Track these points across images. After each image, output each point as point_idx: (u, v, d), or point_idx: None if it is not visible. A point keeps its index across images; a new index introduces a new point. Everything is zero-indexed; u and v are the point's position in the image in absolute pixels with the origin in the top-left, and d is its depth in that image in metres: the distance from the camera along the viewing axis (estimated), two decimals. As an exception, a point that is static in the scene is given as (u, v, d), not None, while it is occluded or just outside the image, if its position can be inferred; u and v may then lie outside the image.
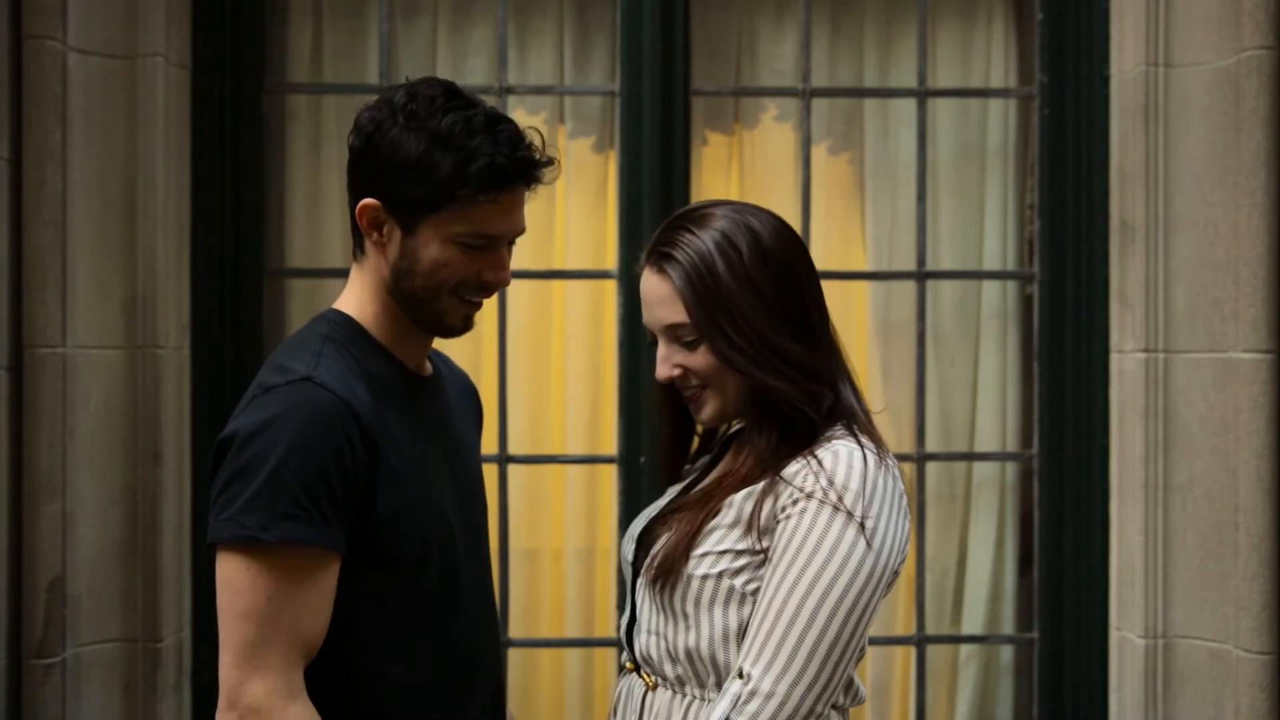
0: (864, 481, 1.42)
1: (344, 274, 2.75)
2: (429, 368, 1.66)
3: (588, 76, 2.85)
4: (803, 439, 1.49)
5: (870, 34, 2.90)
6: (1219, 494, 2.45)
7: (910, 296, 2.83)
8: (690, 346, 1.52)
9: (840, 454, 1.44)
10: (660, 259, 1.53)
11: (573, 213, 2.93)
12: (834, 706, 1.48)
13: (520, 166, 1.48)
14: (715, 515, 1.49)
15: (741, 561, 1.46)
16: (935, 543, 2.88)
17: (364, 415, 1.45)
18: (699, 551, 1.48)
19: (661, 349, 1.56)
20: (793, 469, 1.45)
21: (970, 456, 2.91)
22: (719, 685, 1.47)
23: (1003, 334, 2.90)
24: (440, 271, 1.50)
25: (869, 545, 1.40)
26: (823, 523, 1.40)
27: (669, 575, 1.49)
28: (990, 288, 2.90)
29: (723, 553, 1.47)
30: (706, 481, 1.60)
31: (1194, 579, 2.49)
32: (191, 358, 2.58)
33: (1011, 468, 2.91)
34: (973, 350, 2.92)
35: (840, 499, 1.41)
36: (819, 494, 1.41)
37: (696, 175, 2.83)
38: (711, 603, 1.47)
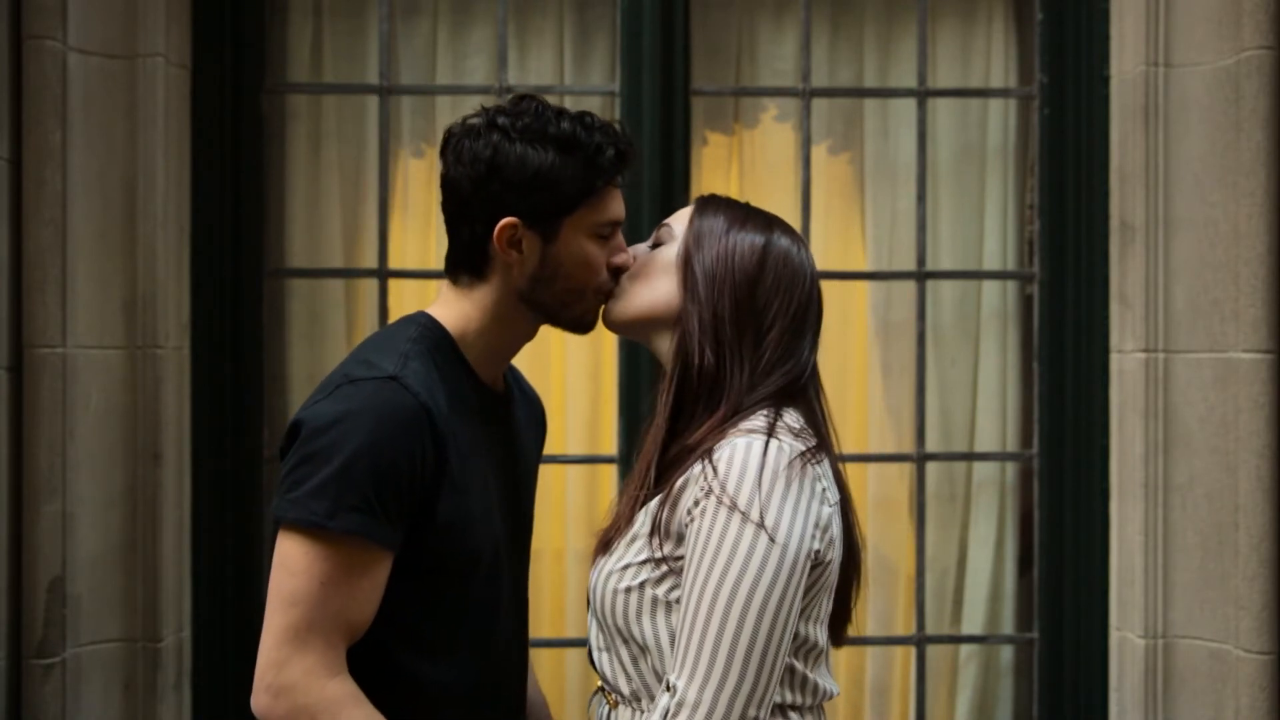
0: (759, 476, 1.40)
1: (344, 274, 2.81)
2: (502, 383, 1.69)
3: (588, 76, 2.85)
4: (705, 403, 1.51)
5: (870, 34, 2.90)
6: (1219, 494, 2.45)
7: (910, 296, 2.83)
8: (655, 246, 1.62)
9: (737, 450, 1.42)
10: (708, 199, 1.63)
11: (573, 213, 2.92)
12: (791, 707, 1.49)
13: (631, 147, 1.60)
14: (634, 525, 1.50)
15: (661, 570, 1.46)
16: (935, 543, 2.88)
17: (440, 423, 1.49)
18: (621, 564, 1.49)
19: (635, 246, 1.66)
20: (694, 472, 1.44)
21: (970, 456, 2.91)
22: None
23: (1003, 334, 2.90)
24: (584, 271, 1.58)
25: (772, 540, 1.38)
26: (720, 525, 1.39)
27: (598, 591, 1.52)
28: (990, 288, 2.90)
29: (642, 563, 1.48)
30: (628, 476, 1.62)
31: (1194, 579, 2.49)
32: (191, 358, 2.58)
33: (1011, 468, 2.91)
34: (973, 350, 2.92)
35: (735, 500, 1.39)
36: (714, 496, 1.40)
37: (696, 175, 2.82)
38: (639, 614, 1.48)
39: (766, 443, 1.42)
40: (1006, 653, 2.92)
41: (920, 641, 2.79)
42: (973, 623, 2.92)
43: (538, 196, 1.53)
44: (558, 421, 2.96)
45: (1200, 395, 2.47)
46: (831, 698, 1.54)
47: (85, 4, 2.37)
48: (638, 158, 1.65)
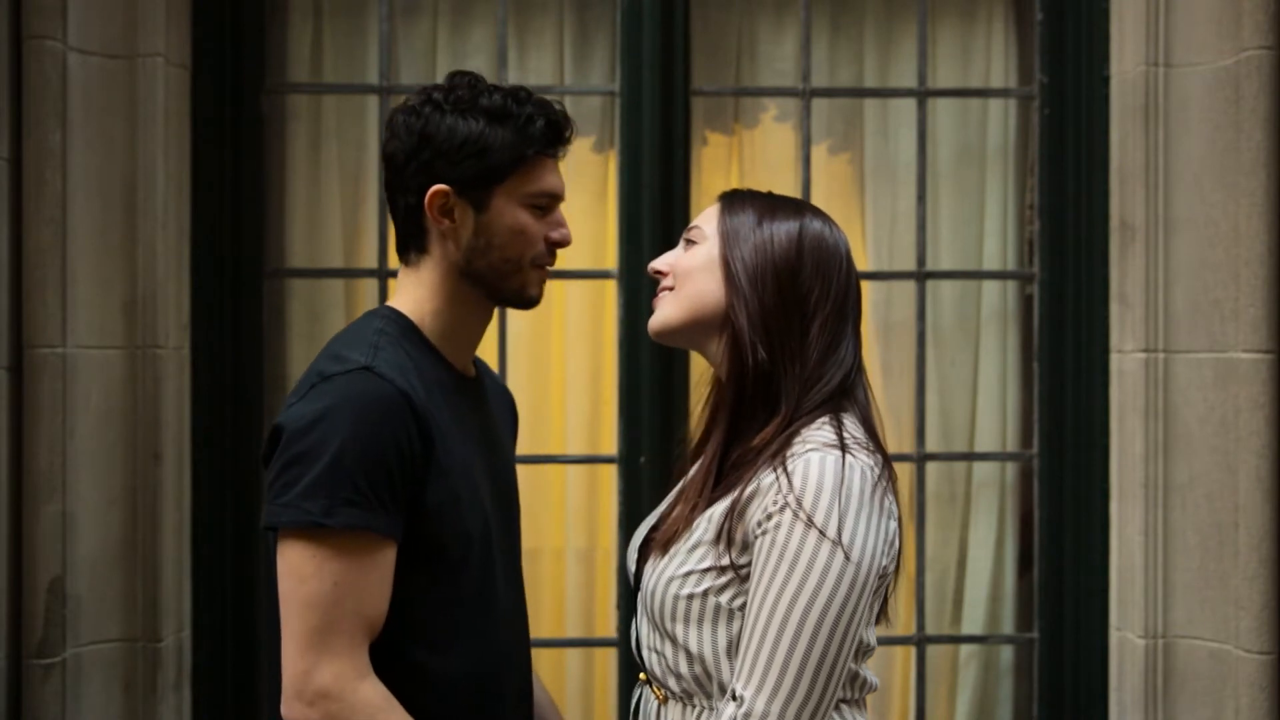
0: (835, 493, 1.40)
1: (344, 274, 2.81)
2: (473, 370, 1.70)
3: (588, 76, 2.85)
4: (761, 404, 1.50)
5: (870, 34, 2.90)
6: (1219, 494, 2.45)
7: (910, 296, 2.83)
8: (689, 248, 1.60)
9: (811, 465, 1.42)
10: (732, 192, 1.62)
11: (573, 213, 2.89)
12: (844, 701, 1.50)
13: (566, 122, 1.62)
14: (695, 530, 1.50)
15: (725, 578, 1.46)
16: (935, 543, 2.88)
17: (420, 407, 1.48)
18: (684, 570, 1.49)
19: (667, 252, 1.65)
20: (764, 482, 1.44)
21: (970, 456, 2.91)
22: (721, 690, 1.48)
23: (1003, 334, 2.90)
24: (518, 241, 1.59)
25: (848, 558, 1.39)
26: (796, 540, 1.39)
27: (656, 595, 1.51)
28: (990, 288, 2.90)
29: (705, 570, 1.47)
30: (688, 479, 1.60)
31: (1194, 579, 2.49)
32: (191, 358, 2.58)
33: (1011, 468, 2.91)
34: (973, 350, 2.92)
35: (811, 516, 1.39)
36: (790, 511, 1.40)
37: (696, 175, 2.82)
38: (700, 621, 1.48)
39: (842, 459, 1.42)
40: (1006, 653, 2.92)
41: (920, 641, 2.79)
42: (973, 623, 2.92)
43: (467, 164, 1.55)
44: (558, 421, 2.96)
45: (1200, 395, 2.47)
46: (874, 689, 1.56)
47: (85, 4, 2.37)
48: (574, 132, 1.64)
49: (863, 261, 2.92)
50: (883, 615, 1.61)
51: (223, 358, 2.62)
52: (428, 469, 1.49)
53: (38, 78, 2.31)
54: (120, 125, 2.44)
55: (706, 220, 1.60)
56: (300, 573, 1.43)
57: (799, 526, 1.39)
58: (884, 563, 1.44)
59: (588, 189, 2.91)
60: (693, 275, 1.57)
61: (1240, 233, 2.41)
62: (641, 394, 2.67)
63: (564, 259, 2.88)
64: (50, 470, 2.31)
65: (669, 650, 1.52)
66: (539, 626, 2.94)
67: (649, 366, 2.66)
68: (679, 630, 1.49)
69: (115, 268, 2.44)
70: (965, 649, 2.93)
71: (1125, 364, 2.59)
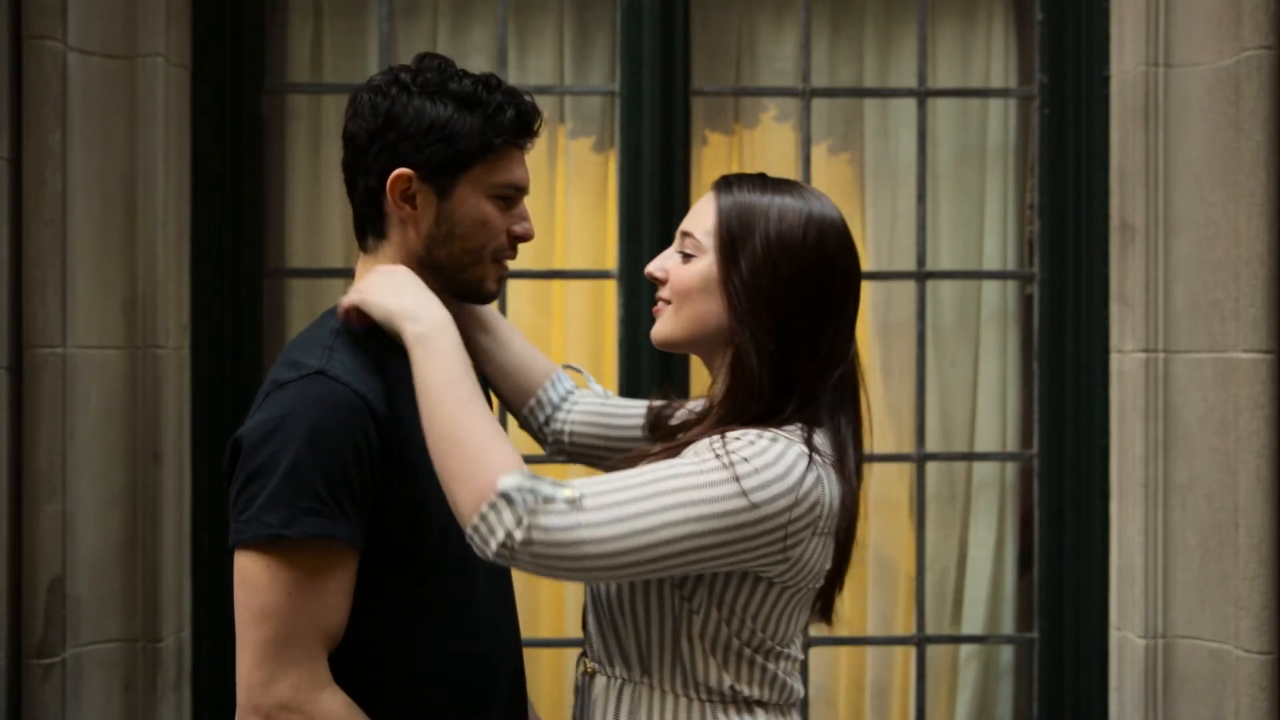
0: (763, 457, 1.37)
1: (344, 274, 2.80)
2: None
3: (588, 76, 2.85)
4: (758, 411, 1.47)
5: (870, 34, 2.90)
6: (1219, 494, 2.45)
7: (910, 296, 2.83)
8: (686, 259, 1.53)
9: (749, 434, 1.40)
10: (725, 183, 1.55)
11: (573, 213, 2.93)
12: (758, 704, 1.48)
13: (536, 113, 1.59)
14: None
15: None
16: (935, 543, 2.88)
17: (379, 407, 1.45)
18: None
19: (664, 253, 1.58)
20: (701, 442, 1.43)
21: (970, 456, 2.91)
22: (641, 666, 1.47)
23: (1003, 334, 2.90)
24: (480, 232, 1.55)
25: (749, 502, 1.34)
26: (708, 465, 1.36)
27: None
28: (990, 288, 2.90)
29: None
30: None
31: (1194, 579, 2.49)
32: (191, 358, 2.58)
33: (1011, 468, 2.91)
34: (973, 350, 2.92)
35: (731, 461, 1.36)
36: (711, 448, 1.38)
37: (696, 175, 2.83)
38: (620, 588, 1.47)
39: (779, 440, 1.40)
40: (1006, 653, 2.92)
41: (920, 641, 2.79)
42: (973, 623, 2.92)
43: (433, 149, 1.51)
44: (558, 421, 2.96)
45: (1200, 395, 2.47)
46: (798, 701, 1.54)
47: (85, 4, 2.37)
48: (543, 123, 1.61)
49: (863, 261, 2.91)
50: (816, 616, 1.58)
51: (223, 358, 2.62)
52: (391, 469, 1.46)
53: (38, 78, 2.31)
54: (120, 125, 2.44)
55: (700, 223, 1.53)
56: (255, 583, 1.40)
57: (710, 457, 1.37)
58: (798, 526, 1.39)
59: (588, 189, 2.91)
60: (691, 297, 1.51)
61: (1240, 233, 2.41)
62: (641, 394, 2.66)
63: (564, 259, 2.91)
64: (50, 470, 2.31)
65: (592, 620, 1.53)
66: (539, 626, 2.95)
67: (649, 366, 2.66)
68: (605, 594, 1.50)
69: (115, 268, 2.44)
70: (965, 649, 2.93)
71: (1125, 364, 2.59)
